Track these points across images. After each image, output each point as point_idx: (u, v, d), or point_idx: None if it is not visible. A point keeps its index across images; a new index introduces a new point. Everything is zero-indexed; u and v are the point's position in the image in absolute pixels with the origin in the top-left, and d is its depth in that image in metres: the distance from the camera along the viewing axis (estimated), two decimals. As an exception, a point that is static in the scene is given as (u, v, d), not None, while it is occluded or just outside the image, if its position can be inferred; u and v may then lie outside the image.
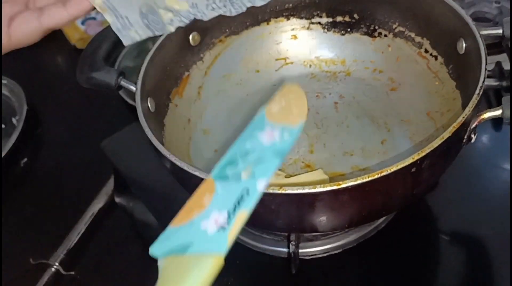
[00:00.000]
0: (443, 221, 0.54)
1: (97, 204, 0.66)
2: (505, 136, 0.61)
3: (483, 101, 0.63)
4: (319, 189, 0.37)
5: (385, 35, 0.60)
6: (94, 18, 0.97)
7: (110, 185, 0.68)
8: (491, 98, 0.65)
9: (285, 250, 0.51)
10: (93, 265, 0.62)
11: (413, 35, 0.57)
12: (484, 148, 0.60)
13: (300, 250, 0.50)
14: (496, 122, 0.61)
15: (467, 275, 0.50)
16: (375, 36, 0.60)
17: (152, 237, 0.64)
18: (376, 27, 0.60)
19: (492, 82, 0.63)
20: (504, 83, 0.62)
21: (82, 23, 0.96)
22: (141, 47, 0.88)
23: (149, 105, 0.50)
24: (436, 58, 0.55)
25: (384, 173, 0.37)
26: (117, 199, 0.67)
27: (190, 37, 0.58)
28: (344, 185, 0.37)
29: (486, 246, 0.52)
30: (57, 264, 0.60)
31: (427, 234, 0.53)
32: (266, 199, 0.39)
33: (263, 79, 0.63)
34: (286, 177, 0.51)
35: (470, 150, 0.57)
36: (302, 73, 0.63)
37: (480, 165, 0.58)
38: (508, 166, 0.58)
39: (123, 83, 0.50)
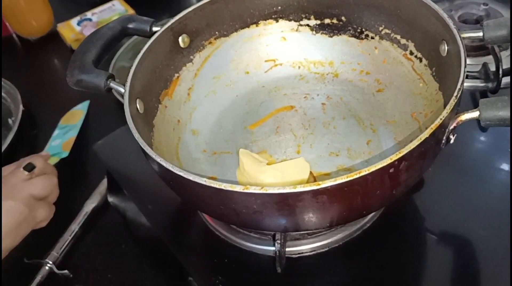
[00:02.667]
0: (429, 221, 0.54)
1: (91, 204, 0.67)
2: (490, 136, 0.62)
3: (469, 102, 0.65)
4: (299, 189, 0.38)
5: (372, 37, 0.60)
6: (90, 19, 0.98)
7: (103, 185, 0.69)
8: (477, 100, 0.66)
9: (272, 248, 0.52)
10: (86, 264, 0.63)
11: (398, 37, 0.58)
12: (471, 148, 0.61)
13: (287, 249, 0.51)
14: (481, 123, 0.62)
15: (453, 274, 0.50)
16: (362, 38, 0.61)
17: (144, 237, 0.66)
18: (363, 30, 0.61)
19: (478, 83, 0.64)
20: (490, 85, 0.63)
21: (78, 24, 0.98)
22: (137, 48, 0.89)
23: (137, 106, 0.51)
24: (420, 60, 0.56)
25: (362, 174, 0.38)
26: (110, 199, 0.68)
27: (180, 39, 0.59)
28: (323, 185, 0.38)
29: (473, 245, 0.52)
30: (50, 263, 0.61)
31: (414, 234, 0.53)
32: (248, 199, 0.40)
33: (252, 81, 0.64)
34: (268, 164, 0.52)
35: (456, 150, 0.58)
36: (291, 74, 0.64)
37: (466, 165, 0.59)
38: (496, 165, 0.58)
39: (113, 85, 0.51)
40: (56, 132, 0.80)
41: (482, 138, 0.62)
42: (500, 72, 0.62)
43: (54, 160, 0.73)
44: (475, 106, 0.43)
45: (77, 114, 0.82)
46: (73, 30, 0.96)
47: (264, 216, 0.42)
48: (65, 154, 0.74)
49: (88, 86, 0.51)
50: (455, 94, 0.42)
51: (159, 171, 0.45)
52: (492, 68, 0.64)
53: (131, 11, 0.99)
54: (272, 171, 0.50)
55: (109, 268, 0.62)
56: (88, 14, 0.99)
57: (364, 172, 0.38)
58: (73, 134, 0.77)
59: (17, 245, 0.65)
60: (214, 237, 0.55)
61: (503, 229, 0.52)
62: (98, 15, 0.99)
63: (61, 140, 0.77)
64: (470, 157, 0.60)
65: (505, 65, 0.64)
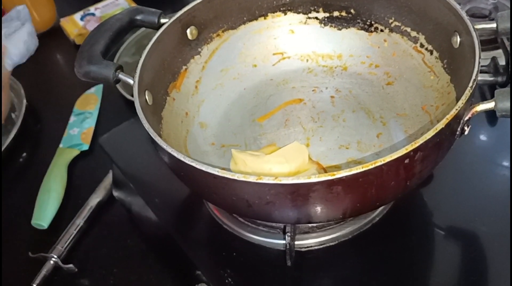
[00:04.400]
0: (438, 216, 0.54)
1: (96, 198, 0.67)
2: (500, 132, 0.61)
3: (478, 96, 0.64)
4: (314, 179, 0.38)
5: (381, 30, 0.60)
6: (93, 14, 0.98)
7: (108, 179, 0.68)
8: (486, 94, 0.66)
9: (281, 242, 0.51)
10: (91, 259, 0.63)
11: (408, 30, 0.58)
12: (480, 144, 0.60)
13: (296, 242, 0.51)
14: (491, 118, 0.62)
15: (460, 270, 0.50)
16: (371, 31, 0.61)
17: (150, 231, 0.66)
18: (373, 22, 0.60)
19: (487, 77, 0.64)
20: (499, 79, 0.63)
21: (81, 18, 0.97)
22: (140, 43, 0.89)
23: (146, 98, 0.51)
24: (431, 52, 0.56)
25: (378, 164, 0.38)
26: (115, 194, 0.68)
27: (188, 31, 0.58)
28: (338, 175, 0.38)
29: (481, 241, 0.52)
30: (55, 257, 0.61)
31: (422, 228, 0.53)
32: (261, 190, 0.39)
33: (260, 74, 0.63)
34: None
35: (466, 145, 0.57)
36: (299, 67, 0.64)
37: (475, 161, 0.58)
38: (504, 162, 0.58)
39: (121, 76, 0.50)
40: (72, 119, 0.80)
41: (490, 134, 0.61)
42: (510, 66, 0.61)
43: (74, 153, 0.73)
44: (484, 100, 0.43)
45: (92, 98, 0.83)
46: (76, 25, 0.96)
47: (277, 207, 0.41)
48: (86, 146, 0.75)
49: (97, 77, 0.50)
50: (471, 84, 0.42)
51: (170, 162, 0.45)
52: (501, 62, 0.63)
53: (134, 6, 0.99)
54: (276, 158, 0.50)
55: (114, 263, 0.62)
56: (91, 9, 0.99)
57: (380, 162, 0.37)
58: (91, 124, 0.78)
59: (22, 240, 0.65)
60: (222, 231, 0.54)
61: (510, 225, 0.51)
62: (101, 10, 0.98)
63: (79, 129, 0.77)
64: (478, 153, 0.59)
65: (515, 59, 0.64)
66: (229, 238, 0.54)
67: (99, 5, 1.00)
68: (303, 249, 0.52)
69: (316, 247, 0.52)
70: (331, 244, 0.52)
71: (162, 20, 0.56)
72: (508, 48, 0.61)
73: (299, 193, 0.39)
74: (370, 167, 0.38)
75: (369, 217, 0.53)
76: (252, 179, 0.38)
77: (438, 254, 0.51)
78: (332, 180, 0.38)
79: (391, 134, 0.55)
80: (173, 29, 0.56)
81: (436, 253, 0.51)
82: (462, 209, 0.54)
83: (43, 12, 0.98)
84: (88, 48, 0.51)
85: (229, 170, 0.51)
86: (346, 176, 0.38)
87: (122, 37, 0.55)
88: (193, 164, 0.40)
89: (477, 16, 0.70)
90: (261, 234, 0.53)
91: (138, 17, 0.56)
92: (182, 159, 0.41)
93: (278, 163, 0.49)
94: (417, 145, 0.38)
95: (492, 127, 0.62)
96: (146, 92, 0.51)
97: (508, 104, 0.40)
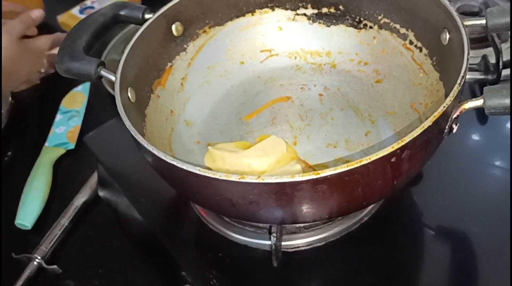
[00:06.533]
0: (428, 215, 0.53)
1: (81, 198, 0.66)
2: (490, 130, 0.61)
3: (468, 94, 0.64)
4: (298, 178, 0.37)
5: (371, 27, 0.59)
6: (92, 7, 0.96)
7: (94, 179, 0.67)
8: (477, 92, 0.65)
9: (268, 242, 0.51)
10: (76, 259, 0.62)
11: (398, 26, 0.57)
12: (470, 143, 0.60)
13: (283, 243, 0.50)
14: (482, 116, 0.62)
15: (450, 269, 0.50)
16: (360, 28, 0.60)
17: (136, 232, 0.65)
18: (362, 19, 0.60)
19: (477, 75, 0.63)
20: (490, 77, 0.62)
21: (81, 12, 0.96)
22: (128, 40, 0.87)
23: (129, 95, 0.50)
24: (420, 49, 0.55)
25: (363, 162, 0.37)
26: (101, 193, 0.67)
27: (173, 27, 0.57)
28: (323, 174, 0.37)
29: (471, 241, 0.51)
30: (39, 258, 0.60)
31: (412, 228, 0.53)
32: (244, 189, 0.38)
33: (247, 71, 0.63)
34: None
35: (455, 144, 0.57)
36: (287, 64, 0.63)
37: (465, 160, 0.58)
38: (494, 161, 0.57)
39: (103, 73, 0.49)
40: (58, 117, 0.78)
41: (481, 133, 0.61)
42: (501, 64, 0.61)
43: (60, 151, 0.72)
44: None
45: (78, 96, 0.81)
46: (77, 18, 0.94)
47: (261, 207, 0.40)
48: (72, 145, 0.74)
49: (79, 73, 0.49)
50: (459, 81, 0.41)
51: (152, 161, 0.44)
52: (492, 60, 0.63)
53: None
54: (254, 152, 0.50)
55: (99, 264, 0.61)
56: (88, 3, 0.97)
57: (365, 161, 0.37)
58: (77, 122, 0.77)
59: (5, 240, 0.64)
60: (208, 231, 0.54)
61: (501, 225, 0.51)
62: (99, 2, 0.97)
63: (65, 127, 0.76)
64: (468, 152, 0.59)
65: (505, 57, 0.63)
66: (215, 238, 0.53)
67: (94, -3, 0.98)
68: (290, 250, 0.51)
69: (303, 248, 0.51)
70: (319, 244, 0.51)
71: (147, 16, 0.55)
72: (499, 46, 0.60)
73: (283, 192, 0.38)
74: (356, 165, 0.37)
75: (357, 216, 0.52)
76: (234, 178, 0.37)
77: (428, 254, 0.50)
78: (317, 179, 0.37)
79: (379, 132, 0.54)
80: (157, 24, 0.55)
81: (425, 253, 0.51)
82: (452, 208, 0.53)
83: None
84: (70, 44, 0.51)
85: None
86: (331, 175, 0.37)
87: (106, 32, 0.54)
88: (174, 162, 0.39)
89: (467, 13, 0.70)
90: (247, 235, 0.52)
91: (122, 12, 0.55)
92: (163, 158, 0.40)
93: (257, 157, 0.49)
94: (403, 143, 0.38)
95: (482, 125, 0.62)
96: (129, 89, 0.50)
97: (497, 102, 0.40)
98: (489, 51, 0.65)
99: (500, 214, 0.52)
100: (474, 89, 0.65)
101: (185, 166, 0.39)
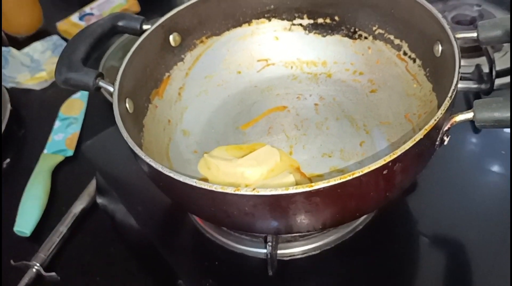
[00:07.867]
0: (423, 223, 0.54)
1: (80, 205, 0.66)
2: (484, 139, 0.61)
3: (462, 104, 0.64)
4: (292, 190, 0.37)
5: (366, 37, 0.60)
6: (91, 14, 0.97)
7: (92, 186, 0.68)
8: (471, 102, 0.65)
9: (263, 251, 0.51)
10: (74, 266, 0.62)
11: (392, 37, 0.58)
12: (464, 151, 0.60)
13: (279, 251, 0.50)
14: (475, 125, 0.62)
15: (445, 277, 0.50)
16: (355, 38, 0.61)
17: (133, 239, 0.65)
18: (357, 29, 0.60)
19: (471, 85, 0.64)
20: (483, 86, 0.63)
21: (80, 19, 0.96)
22: (126, 48, 0.88)
23: (127, 106, 0.50)
24: (414, 60, 0.56)
25: (356, 175, 0.37)
26: (99, 201, 0.67)
27: (171, 37, 0.58)
28: (316, 186, 0.37)
29: (465, 248, 0.52)
30: (38, 265, 0.60)
31: (407, 236, 0.53)
32: (239, 201, 0.39)
33: (244, 80, 0.63)
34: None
35: (450, 152, 0.57)
36: (283, 74, 0.64)
37: (460, 168, 0.58)
38: (489, 169, 0.58)
39: (102, 83, 0.50)
40: (57, 124, 0.79)
41: (475, 141, 0.62)
42: (494, 73, 0.61)
43: (59, 158, 0.73)
44: (469, 107, 0.42)
45: (77, 103, 0.82)
46: (77, 25, 0.94)
47: (256, 218, 0.41)
48: (70, 152, 0.74)
49: (77, 84, 0.50)
50: (450, 94, 0.41)
51: (149, 172, 0.44)
52: (485, 69, 0.63)
53: (131, 2, 0.98)
54: (247, 162, 0.51)
55: (97, 271, 0.61)
56: (86, 10, 0.98)
57: (358, 173, 0.37)
58: (76, 129, 0.77)
59: (4, 247, 0.64)
60: (205, 240, 0.54)
61: (496, 233, 0.52)
62: (98, 9, 0.97)
63: (64, 134, 0.77)
64: (463, 160, 0.59)
65: (498, 66, 0.64)
66: (211, 247, 0.54)
67: (94, 4, 0.99)
68: (286, 258, 0.52)
69: (299, 256, 0.52)
70: (314, 253, 0.52)
71: (145, 26, 0.55)
72: (492, 56, 0.61)
73: (277, 204, 0.39)
74: (349, 178, 0.37)
75: (352, 225, 0.53)
76: (230, 190, 0.38)
77: (423, 262, 0.51)
78: (310, 191, 0.37)
79: (374, 142, 0.55)
80: (155, 35, 0.56)
81: (421, 261, 0.51)
82: (447, 216, 0.54)
83: (29, 15, 0.97)
84: (68, 55, 0.51)
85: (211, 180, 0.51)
86: (324, 188, 0.37)
87: (104, 43, 0.55)
88: (171, 174, 0.40)
89: (462, 23, 0.70)
90: (243, 243, 0.53)
91: (120, 23, 0.55)
92: (160, 169, 0.40)
93: (250, 166, 0.50)
94: (395, 156, 0.38)
95: (476, 134, 0.62)
96: (127, 100, 0.50)
97: (487, 115, 0.40)
98: (483, 60, 0.65)
99: (495, 221, 0.52)
100: (468, 98, 0.65)
101: (181, 178, 0.39)
